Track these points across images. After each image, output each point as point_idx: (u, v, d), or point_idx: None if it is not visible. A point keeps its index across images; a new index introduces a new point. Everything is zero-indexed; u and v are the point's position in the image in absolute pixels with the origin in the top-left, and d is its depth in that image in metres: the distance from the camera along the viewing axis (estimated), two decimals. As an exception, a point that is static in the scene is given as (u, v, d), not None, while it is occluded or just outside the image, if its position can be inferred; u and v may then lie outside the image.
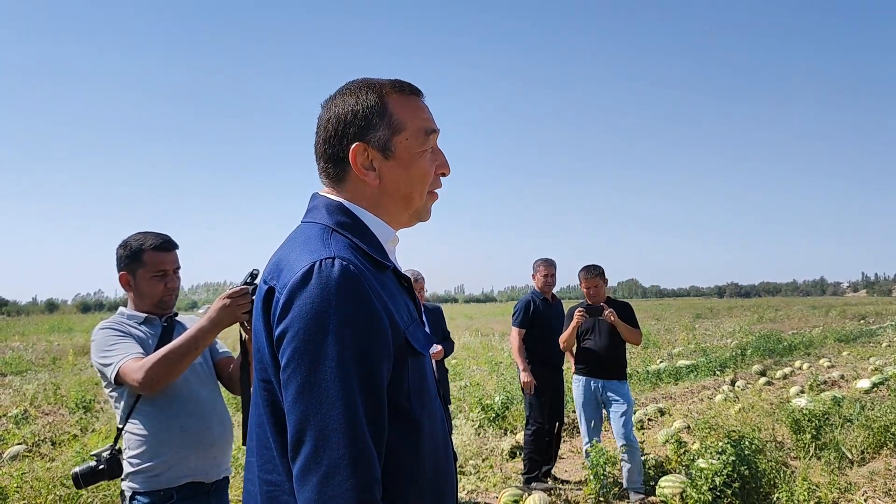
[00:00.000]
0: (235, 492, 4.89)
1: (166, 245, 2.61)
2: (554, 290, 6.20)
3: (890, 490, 5.07)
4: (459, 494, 5.73)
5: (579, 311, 5.55)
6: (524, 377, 5.79)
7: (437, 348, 5.14)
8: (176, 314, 2.70)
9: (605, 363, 5.59)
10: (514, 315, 6.03)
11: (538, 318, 5.96)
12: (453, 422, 7.89)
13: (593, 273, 5.64)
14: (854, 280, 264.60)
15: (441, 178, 1.50)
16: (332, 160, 1.43)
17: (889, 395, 9.56)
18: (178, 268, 2.66)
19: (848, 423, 6.83)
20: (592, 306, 5.53)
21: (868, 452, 6.26)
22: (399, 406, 1.29)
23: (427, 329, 5.11)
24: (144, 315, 2.58)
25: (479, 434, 7.75)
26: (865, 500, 4.85)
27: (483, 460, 6.73)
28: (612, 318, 5.46)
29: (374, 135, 1.39)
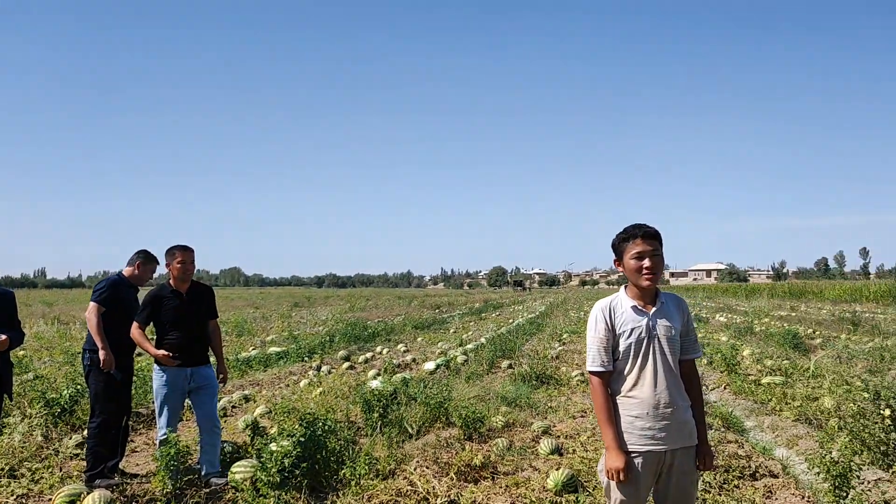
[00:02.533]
0: None
1: None
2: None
3: (438, 458, 5.72)
4: (8, 500, 5.07)
5: (174, 361, 5.36)
6: (103, 355, 5.42)
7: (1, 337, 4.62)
8: None
9: (194, 350, 5.55)
10: (96, 291, 5.63)
11: (122, 301, 5.66)
12: (6, 420, 6.93)
13: (190, 248, 5.60)
14: (435, 274, 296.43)
15: None
16: None
17: (448, 374, 10.88)
18: None
19: (412, 402, 7.56)
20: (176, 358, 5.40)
21: (425, 426, 7.01)
22: None
23: None
24: None
25: (38, 433, 6.90)
26: (415, 469, 5.40)
27: (41, 461, 6.02)
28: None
29: None
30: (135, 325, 5.48)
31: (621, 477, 2.91)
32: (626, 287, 3.14)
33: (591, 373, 3.05)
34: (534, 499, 4.82)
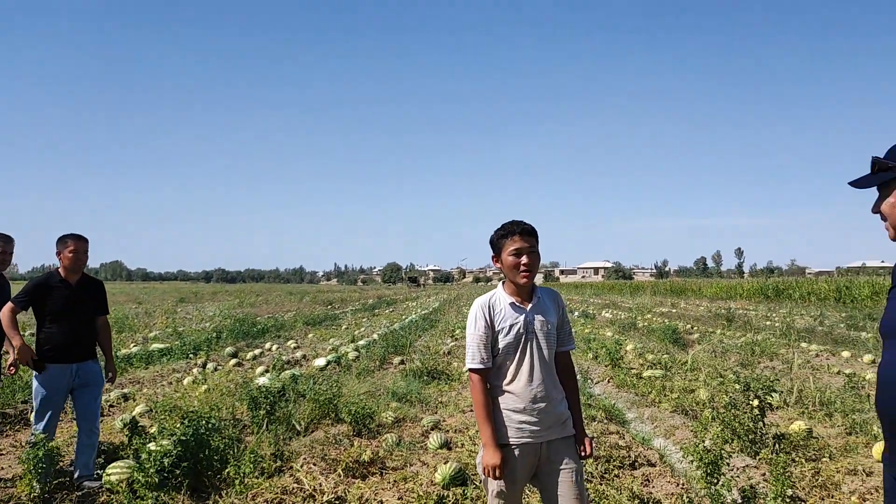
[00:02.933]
0: None
1: None
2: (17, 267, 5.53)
3: (326, 455, 5.64)
4: None
5: (29, 361, 5.04)
6: None
7: None
8: None
9: (82, 344, 5.26)
10: None
11: None
12: None
13: (84, 238, 5.31)
14: (328, 270, 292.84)
15: None
16: None
17: (339, 370, 10.75)
18: None
19: (301, 398, 7.42)
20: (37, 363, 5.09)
21: (313, 423, 6.88)
22: None
23: None
24: None
25: None
26: (302, 466, 5.30)
27: None
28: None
29: None
30: (8, 305, 5.09)
31: (497, 473, 2.96)
32: (503, 283, 3.18)
33: (470, 370, 3.07)
34: (421, 493, 4.81)
